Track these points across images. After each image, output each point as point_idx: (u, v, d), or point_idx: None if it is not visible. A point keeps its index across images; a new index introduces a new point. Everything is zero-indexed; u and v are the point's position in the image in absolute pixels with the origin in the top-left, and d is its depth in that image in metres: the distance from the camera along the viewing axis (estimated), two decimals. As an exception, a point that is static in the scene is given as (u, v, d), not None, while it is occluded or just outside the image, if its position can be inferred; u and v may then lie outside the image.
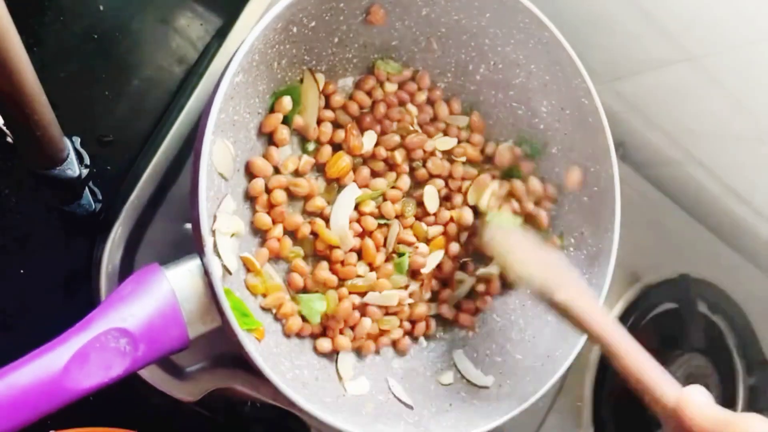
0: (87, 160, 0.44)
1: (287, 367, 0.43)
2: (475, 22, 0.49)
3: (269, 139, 0.46)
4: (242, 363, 0.48)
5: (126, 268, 0.45)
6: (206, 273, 0.37)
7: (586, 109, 0.49)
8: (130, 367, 0.36)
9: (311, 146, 0.47)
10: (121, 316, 0.36)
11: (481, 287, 0.52)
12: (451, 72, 0.52)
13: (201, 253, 0.38)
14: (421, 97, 0.51)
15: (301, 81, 0.46)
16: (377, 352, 0.50)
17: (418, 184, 0.51)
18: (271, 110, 0.45)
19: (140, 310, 0.36)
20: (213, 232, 0.40)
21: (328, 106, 0.48)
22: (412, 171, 0.51)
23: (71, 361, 0.34)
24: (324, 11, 0.44)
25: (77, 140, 0.44)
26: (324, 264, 0.47)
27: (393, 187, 0.50)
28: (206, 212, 0.37)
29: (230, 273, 0.42)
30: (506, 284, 0.53)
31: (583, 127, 0.50)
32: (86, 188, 0.45)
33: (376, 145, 0.49)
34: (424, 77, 0.51)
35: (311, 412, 0.39)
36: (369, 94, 0.49)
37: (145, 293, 0.37)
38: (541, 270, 0.46)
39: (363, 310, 0.48)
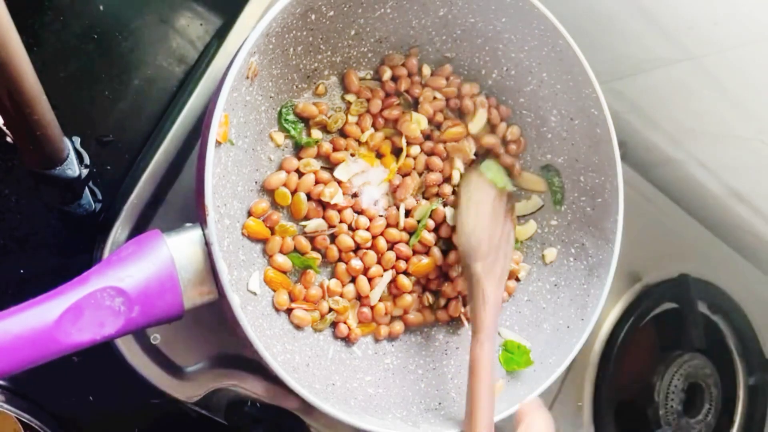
0: (87, 160, 0.44)
1: (279, 351, 0.43)
2: (491, 26, 0.49)
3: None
4: (242, 363, 0.48)
5: (126, 268, 0.45)
6: (207, 244, 0.38)
7: (594, 119, 0.49)
8: (122, 327, 0.36)
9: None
10: (119, 275, 0.36)
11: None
12: (463, 75, 0.52)
13: (203, 223, 0.38)
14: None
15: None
16: (377, 339, 0.50)
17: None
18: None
19: (138, 272, 0.36)
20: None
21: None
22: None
23: (65, 313, 0.34)
24: (344, 2, 0.44)
25: (77, 140, 0.44)
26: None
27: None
28: (211, 182, 0.37)
29: None
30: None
31: (590, 137, 0.50)
32: (86, 188, 0.45)
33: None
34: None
35: (299, 392, 0.39)
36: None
37: (144, 256, 0.37)
38: (481, 234, 0.47)
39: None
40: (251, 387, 0.48)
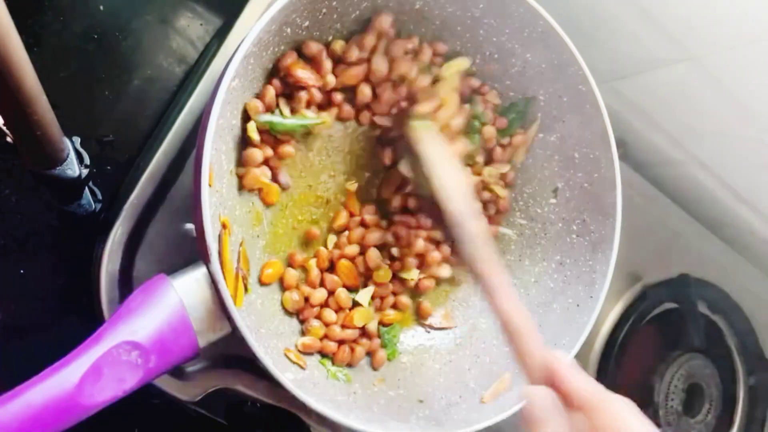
0: (87, 160, 0.44)
1: (296, 368, 0.43)
2: (469, 13, 0.49)
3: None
4: (242, 363, 0.48)
5: (126, 268, 0.45)
6: (213, 281, 0.37)
7: (583, 96, 0.49)
8: (142, 378, 0.36)
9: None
10: (132, 329, 0.36)
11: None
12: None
13: (206, 261, 0.38)
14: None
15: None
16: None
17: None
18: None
19: (150, 322, 0.36)
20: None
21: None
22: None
23: (85, 376, 0.34)
24: (317, 10, 0.44)
25: (77, 140, 0.44)
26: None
27: None
28: (210, 220, 0.37)
29: None
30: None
31: (580, 113, 0.50)
32: (86, 188, 0.45)
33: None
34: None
35: (323, 413, 0.39)
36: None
37: (153, 305, 0.37)
38: (459, 191, 0.45)
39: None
40: (251, 387, 0.48)
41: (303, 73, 0.45)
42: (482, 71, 0.52)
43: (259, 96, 0.44)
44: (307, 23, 0.44)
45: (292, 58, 0.44)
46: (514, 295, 0.41)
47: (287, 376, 0.39)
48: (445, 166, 0.46)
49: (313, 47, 0.45)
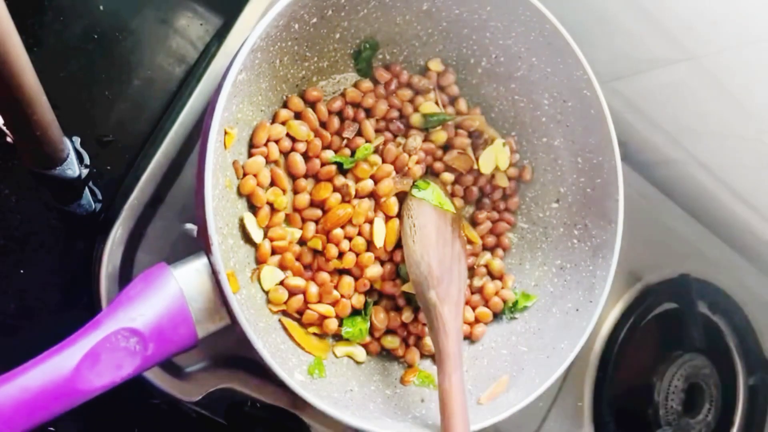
0: (87, 160, 0.44)
1: (294, 364, 0.43)
2: (476, 16, 0.49)
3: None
4: (242, 363, 0.48)
5: (126, 268, 0.46)
6: (214, 272, 0.37)
7: (587, 100, 0.49)
8: (140, 366, 0.36)
9: None
10: (130, 315, 0.36)
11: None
12: (452, 66, 0.52)
13: (208, 251, 0.38)
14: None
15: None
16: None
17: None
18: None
19: (149, 310, 0.36)
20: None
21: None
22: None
23: (82, 361, 0.34)
24: (326, 7, 0.44)
25: (77, 140, 0.44)
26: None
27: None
28: (212, 211, 0.37)
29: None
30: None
31: (585, 118, 0.50)
32: (86, 188, 0.45)
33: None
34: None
35: (321, 408, 0.39)
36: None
37: (153, 293, 0.37)
38: (430, 260, 0.45)
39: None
40: (251, 387, 0.48)
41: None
42: (488, 74, 0.52)
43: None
44: (315, 20, 0.44)
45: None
46: (460, 378, 0.42)
47: (284, 370, 0.39)
48: (421, 235, 0.46)
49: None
